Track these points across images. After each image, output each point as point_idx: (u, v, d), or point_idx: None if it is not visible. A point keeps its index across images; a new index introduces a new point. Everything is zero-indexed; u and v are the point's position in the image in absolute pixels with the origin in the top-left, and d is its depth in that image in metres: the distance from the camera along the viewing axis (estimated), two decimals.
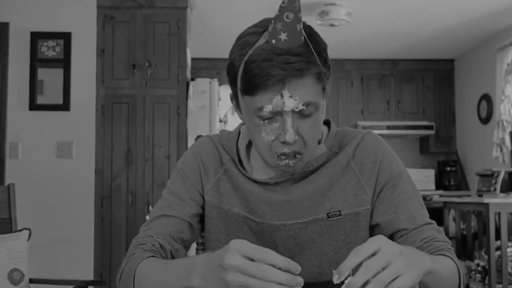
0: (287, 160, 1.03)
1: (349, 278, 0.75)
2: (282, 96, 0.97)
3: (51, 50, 3.83)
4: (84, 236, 3.75)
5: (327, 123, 1.19)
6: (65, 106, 3.80)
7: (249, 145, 1.17)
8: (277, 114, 0.99)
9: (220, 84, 4.34)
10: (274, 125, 1.00)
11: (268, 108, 0.98)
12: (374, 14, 4.79)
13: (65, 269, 3.65)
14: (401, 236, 1.10)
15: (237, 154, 1.17)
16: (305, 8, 4.49)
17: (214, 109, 4.17)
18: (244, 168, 1.15)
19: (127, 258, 1.06)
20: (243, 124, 1.18)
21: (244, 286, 0.76)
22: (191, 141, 3.86)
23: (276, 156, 1.03)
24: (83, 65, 3.84)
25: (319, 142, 1.13)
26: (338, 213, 1.10)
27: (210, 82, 4.18)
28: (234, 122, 4.83)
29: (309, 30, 1.02)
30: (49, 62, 3.84)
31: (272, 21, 0.98)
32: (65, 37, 3.83)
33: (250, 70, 0.97)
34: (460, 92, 6.28)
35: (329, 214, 1.10)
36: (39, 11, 3.86)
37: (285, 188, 1.11)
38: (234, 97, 1.08)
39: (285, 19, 0.95)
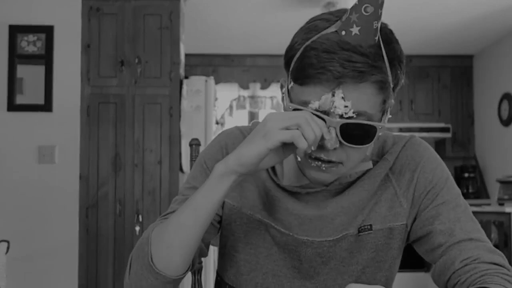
0: (319, 162, 0.98)
1: None
2: (333, 94, 0.93)
3: (31, 45, 3.83)
4: (68, 248, 3.75)
5: None
6: (47, 106, 3.80)
7: None
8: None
9: (216, 83, 4.35)
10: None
11: (314, 105, 0.94)
12: (385, 6, 4.72)
13: (47, 284, 3.64)
14: (441, 257, 1.02)
15: None
16: None
17: (210, 109, 4.17)
18: (274, 171, 1.11)
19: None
20: None
21: (285, 127, 0.89)
22: (184, 145, 3.86)
23: (309, 157, 0.99)
24: (66, 61, 3.84)
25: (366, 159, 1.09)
26: (369, 227, 1.07)
27: (206, 81, 4.18)
28: (231, 124, 4.82)
29: (388, 33, 0.99)
30: (30, 59, 3.84)
31: (348, 10, 0.94)
32: (47, 31, 3.83)
33: (307, 58, 0.94)
34: (480, 91, 6.28)
35: (360, 229, 1.07)
36: (18, 2, 3.86)
37: (317, 202, 1.08)
38: (285, 83, 1.04)
39: (363, 11, 0.92)
